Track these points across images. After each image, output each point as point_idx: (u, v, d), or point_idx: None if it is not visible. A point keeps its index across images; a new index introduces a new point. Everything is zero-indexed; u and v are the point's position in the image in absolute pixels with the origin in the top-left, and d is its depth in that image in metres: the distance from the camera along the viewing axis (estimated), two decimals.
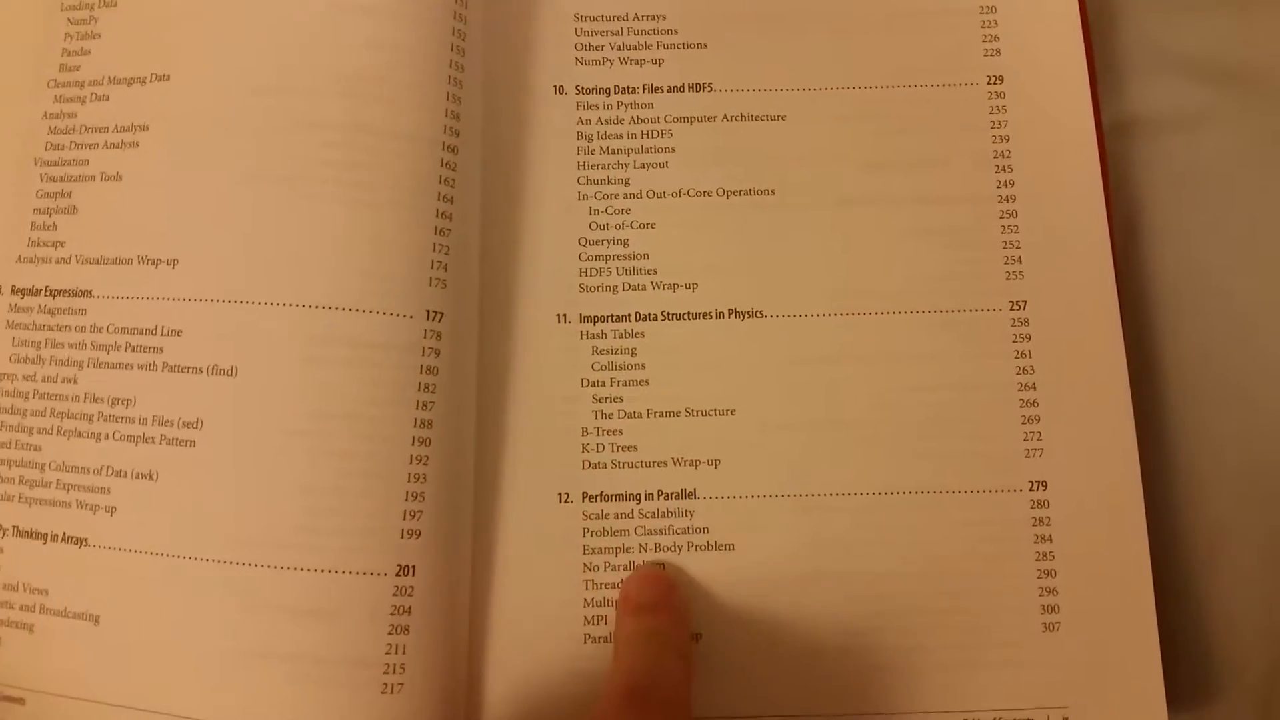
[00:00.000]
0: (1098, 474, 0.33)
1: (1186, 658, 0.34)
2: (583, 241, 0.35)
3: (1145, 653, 0.32)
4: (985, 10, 0.36)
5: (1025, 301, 0.34)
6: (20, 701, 0.31)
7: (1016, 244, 0.35)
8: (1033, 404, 0.34)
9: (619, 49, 0.36)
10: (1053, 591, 0.32)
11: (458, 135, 0.33)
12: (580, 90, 0.36)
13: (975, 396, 0.34)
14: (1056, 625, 0.32)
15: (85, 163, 0.34)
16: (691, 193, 0.35)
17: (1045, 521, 0.33)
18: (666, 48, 0.36)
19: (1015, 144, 0.35)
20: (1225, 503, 0.35)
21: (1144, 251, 0.36)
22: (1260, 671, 0.34)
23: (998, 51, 0.36)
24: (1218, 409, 0.35)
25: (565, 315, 0.34)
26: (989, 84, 0.36)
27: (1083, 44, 0.36)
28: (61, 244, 0.33)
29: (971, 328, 0.34)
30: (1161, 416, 0.35)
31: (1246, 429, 0.35)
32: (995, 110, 0.36)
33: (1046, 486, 0.33)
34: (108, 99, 0.34)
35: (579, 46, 0.36)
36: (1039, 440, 0.33)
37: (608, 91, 0.36)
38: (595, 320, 0.34)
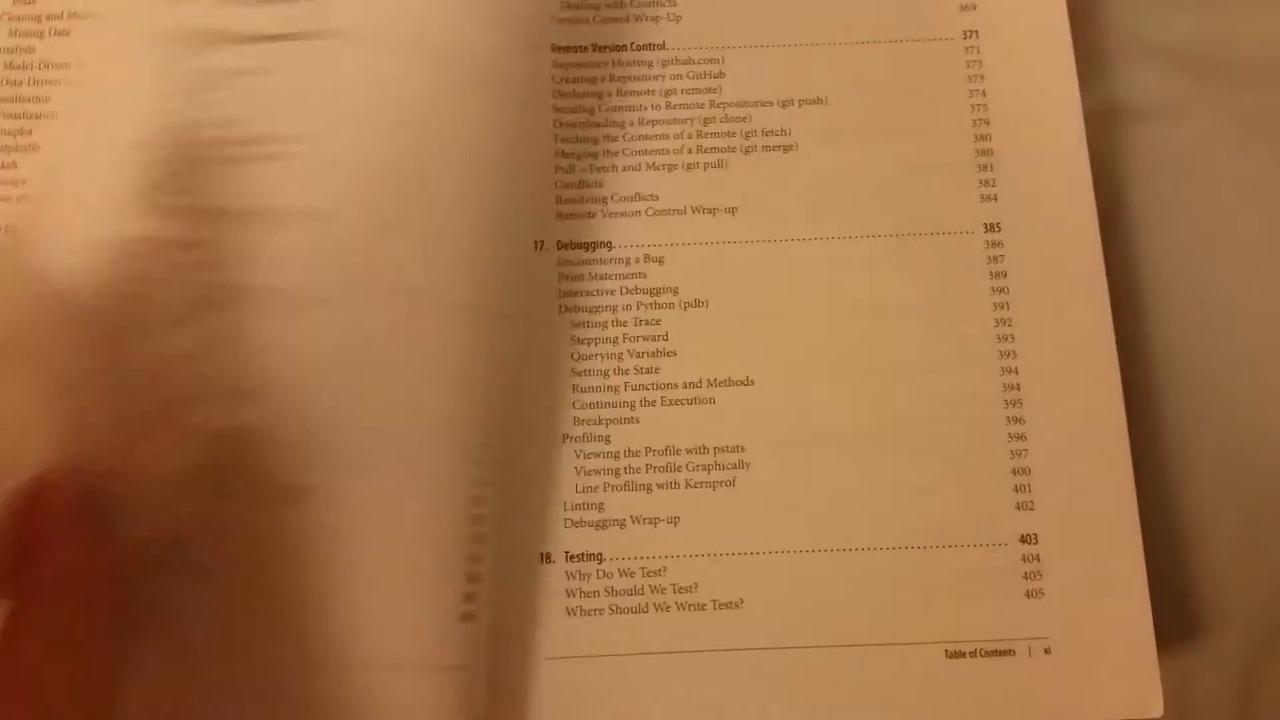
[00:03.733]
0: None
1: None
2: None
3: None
4: None
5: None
6: None
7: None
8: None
9: None
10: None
11: None
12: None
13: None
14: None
15: (46, 100, 0.33)
16: None
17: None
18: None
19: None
20: (1201, 490, 0.35)
21: (1122, 238, 0.36)
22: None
23: None
24: (1194, 397, 0.35)
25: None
26: None
27: None
28: (22, 182, 0.33)
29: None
30: (1136, 405, 0.34)
31: (1223, 417, 0.35)
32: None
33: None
34: (68, 34, 0.33)
35: None
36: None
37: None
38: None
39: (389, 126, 0.30)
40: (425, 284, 0.30)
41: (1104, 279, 0.34)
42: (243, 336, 0.29)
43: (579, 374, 0.33)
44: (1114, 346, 0.33)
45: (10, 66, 0.34)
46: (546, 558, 0.32)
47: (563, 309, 0.34)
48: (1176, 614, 0.34)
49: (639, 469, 0.32)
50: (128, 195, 0.29)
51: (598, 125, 0.35)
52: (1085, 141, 0.35)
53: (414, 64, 0.31)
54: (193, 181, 0.29)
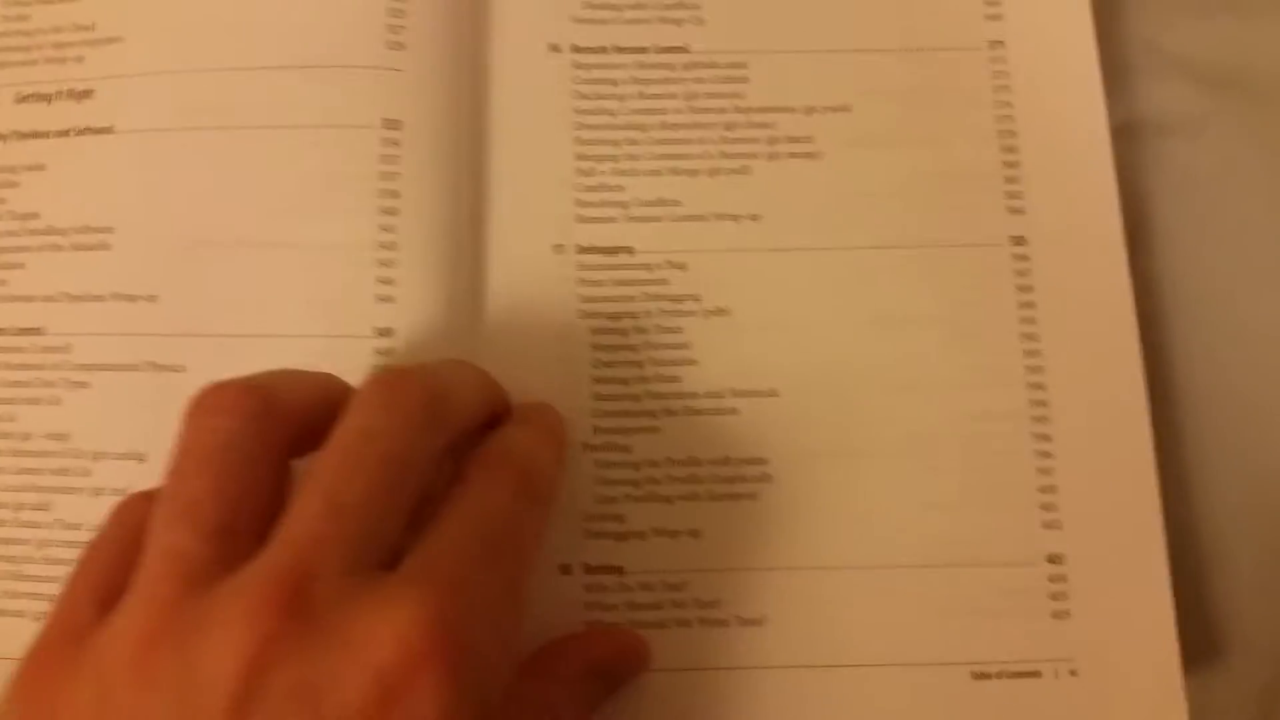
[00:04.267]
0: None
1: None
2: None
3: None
4: None
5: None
6: None
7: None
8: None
9: None
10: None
11: None
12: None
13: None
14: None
15: None
16: None
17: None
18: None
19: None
20: (1225, 509, 0.34)
21: (1146, 255, 0.36)
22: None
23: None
24: (1220, 416, 0.35)
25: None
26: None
27: None
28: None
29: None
30: (1162, 423, 0.34)
31: (1249, 436, 0.35)
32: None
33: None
34: None
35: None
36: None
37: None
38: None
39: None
40: None
41: (1130, 296, 0.33)
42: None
43: (599, 382, 0.32)
44: (1141, 363, 0.33)
45: None
46: (565, 569, 0.31)
47: (583, 314, 0.33)
48: (1198, 636, 0.33)
49: (660, 480, 0.32)
50: None
51: (619, 128, 0.34)
52: (1111, 154, 0.34)
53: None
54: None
